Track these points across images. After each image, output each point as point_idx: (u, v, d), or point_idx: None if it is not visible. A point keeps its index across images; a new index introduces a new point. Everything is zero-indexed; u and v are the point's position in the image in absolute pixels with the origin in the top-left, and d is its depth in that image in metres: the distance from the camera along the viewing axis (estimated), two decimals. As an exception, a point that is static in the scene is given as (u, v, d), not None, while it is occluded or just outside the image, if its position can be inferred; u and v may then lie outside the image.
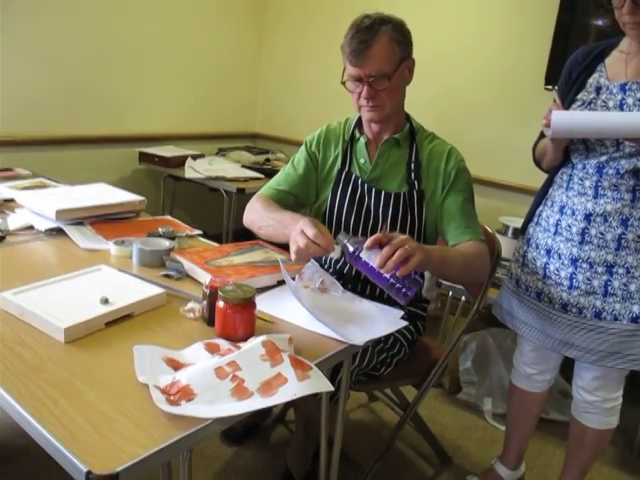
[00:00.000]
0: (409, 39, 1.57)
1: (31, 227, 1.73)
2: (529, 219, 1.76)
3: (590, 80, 1.57)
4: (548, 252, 1.65)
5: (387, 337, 1.62)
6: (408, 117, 1.71)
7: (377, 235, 1.27)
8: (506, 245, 2.52)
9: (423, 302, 1.82)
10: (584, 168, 1.56)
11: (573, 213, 1.58)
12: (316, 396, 1.32)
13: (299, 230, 1.33)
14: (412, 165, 1.64)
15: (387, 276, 1.23)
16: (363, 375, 1.63)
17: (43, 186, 2.22)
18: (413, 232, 1.65)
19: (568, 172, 1.62)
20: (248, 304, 1.14)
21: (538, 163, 1.75)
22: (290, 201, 1.74)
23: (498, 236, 2.52)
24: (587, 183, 1.55)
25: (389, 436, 1.92)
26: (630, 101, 1.48)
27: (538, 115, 2.86)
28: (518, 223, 2.62)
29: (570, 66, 1.65)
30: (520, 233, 1.81)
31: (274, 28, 3.98)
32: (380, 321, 1.29)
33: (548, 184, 1.71)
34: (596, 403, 1.70)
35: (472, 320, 1.87)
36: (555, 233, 1.63)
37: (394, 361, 1.68)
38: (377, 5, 3.32)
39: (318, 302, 1.26)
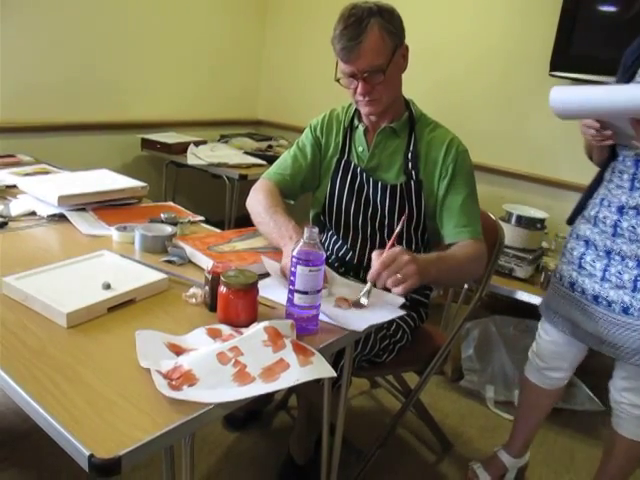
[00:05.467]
0: (400, 26, 1.52)
1: (33, 213, 1.73)
2: (577, 211, 1.71)
3: None
4: (586, 243, 1.62)
5: (390, 324, 1.62)
6: (408, 104, 1.67)
7: (377, 266, 1.24)
8: (510, 232, 2.54)
9: (426, 289, 1.81)
10: (623, 160, 1.53)
11: (609, 205, 1.56)
12: (319, 382, 1.31)
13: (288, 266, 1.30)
14: (409, 155, 1.61)
15: (293, 312, 1.16)
16: (365, 362, 1.63)
17: (45, 172, 2.22)
18: (411, 224, 1.64)
19: (612, 165, 1.59)
20: (250, 289, 1.13)
21: (591, 158, 1.70)
22: (296, 188, 1.73)
23: (502, 223, 2.55)
24: (625, 176, 1.52)
25: (390, 422, 1.92)
26: None
27: (541, 102, 2.88)
28: (522, 211, 2.63)
29: (626, 55, 1.60)
30: (567, 224, 1.76)
31: (277, 14, 3.95)
32: (380, 308, 1.29)
33: (598, 178, 1.67)
34: (624, 406, 1.65)
35: (474, 308, 1.86)
36: (594, 225, 1.60)
37: (396, 348, 1.67)
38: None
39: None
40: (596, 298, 1.58)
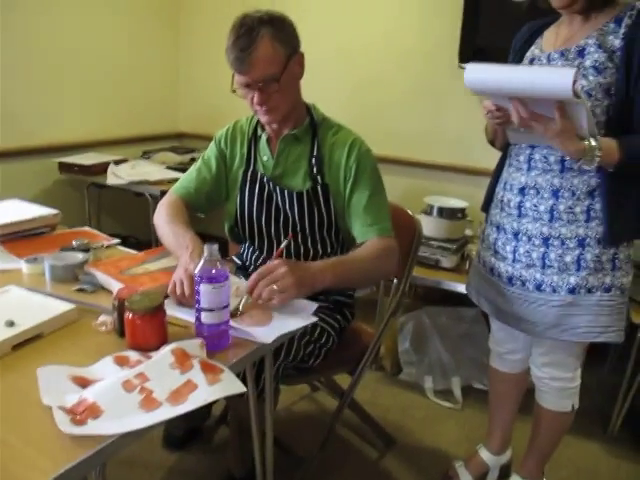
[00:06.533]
0: (293, 34, 1.53)
1: None
2: (488, 198, 1.77)
3: (527, 53, 1.60)
4: (497, 227, 1.68)
5: (313, 328, 1.63)
6: (309, 110, 1.68)
7: (254, 277, 1.29)
8: (431, 224, 2.60)
9: (349, 290, 1.83)
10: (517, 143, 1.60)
11: (511, 188, 1.62)
12: (242, 395, 1.31)
13: (178, 278, 1.31)
14: (313, 160, 1.62)
15: (202, 330, 1.17)
16: (292, 369, 1.63)
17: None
18: (323, 227, 1.65)
19: (509, 149, 1.65)
20: (156, 313, 1.12)
21: (492, 143, 1.75)
22: (202, 201, 1.73)
23: (423, 216, 2.61)
24: (522, 158, 1.58)
25: (328, 425, 1.94)
26: None
27: (454, 94, 2.96)
28: (443, 202, 2.69)
29: (514, 41, 1.68)
30: (482, 211, 1.81)
31: (190, 21, 3.88)
32: (291, 316, 1.29)
33: (500, 163, 1.73)
34: (545, 380, 1.71)
35: (399, 302, 1.89)
36: (501, 209, 1.66)
37: (322, 351, 1.69)
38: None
39: (231, 307, 1.25)
40: (510, 280, 1.65)
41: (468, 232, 2.77)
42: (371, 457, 2.14)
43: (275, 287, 1.26)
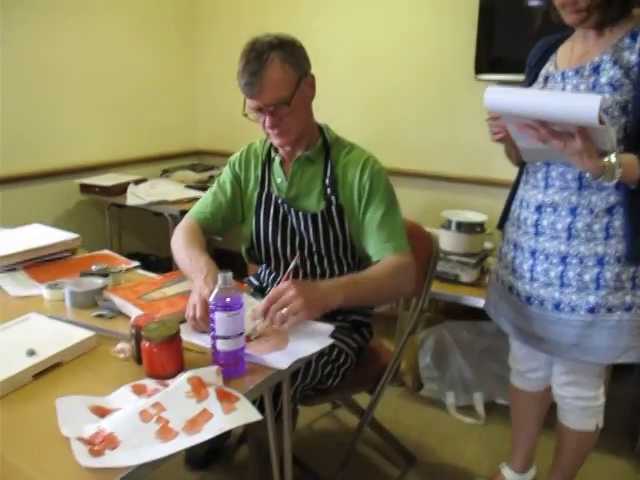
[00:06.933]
0: (303, 56, 1.54)
1: (-39, 278, 1.70)
2: (504, 215, 1.75)
3: (542, 71, 1.58)
4: (514, 245, 1.66)
5: (331, 349, 1.63)
6: (322, 131, 1.69)
7: (265, 301, 1.29)
8: (450, 239, 2.58)
9: (367, 309, 1.82)
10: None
11: (528, 205, 1.59)
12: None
13: (193, 303, 1.32)
14: (327, 180, 1.63)
15: (218, 358, 1.18)
16: (311, 390, 1.63)
17: (-24, 232, 2.18)
18: (338, 247, 1.66)
19: (526, 166, 1.63)
20: (172, 341, 1.13)
21: (510, 159, 1.74)
22: (218, 225, 1.75)
23: (442, 230, 2.59)
24: (539, 175, 1.56)
25: (349, 445, 1.93)
26: (568, 88, 1.48)
27: (471, 105, 2.94)
28: (461, 216, 2.67)
29: (529, 58, 1.66)
30: (498, 228, 1.80)
31: (206, 43, 3.92)
32: (307, 340, 1.30)
33: (517, 180, 1.71)
34: (568, 400, 1.69)
35: (418, 319, 1.88)
36: (517, 227, 1.64)
37: (341, 372, 1.68)
38: (301, 14, 3.34)
39: (247, 331, 1.26)
40: (529, 299, 1.62)
41: (487, 245, 2.75)
42: (392, 476, 2.12)
43: (284, 312, 1.26)
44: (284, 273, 1.71)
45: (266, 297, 1.30)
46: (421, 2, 3.07)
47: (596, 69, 1.43)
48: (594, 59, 1.44)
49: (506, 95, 1.34)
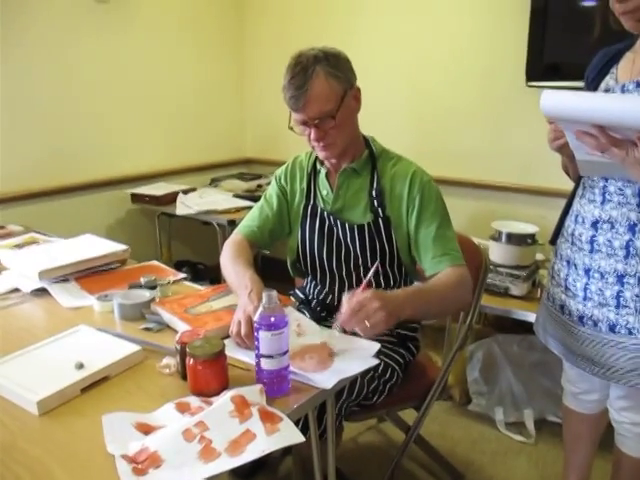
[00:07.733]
0: (348, 69, 1.54)
1: (17, 289, 1.75)
2: (558, 230, 1.68)
3: (602, 84, 1.51)
4: (568, 263, 1.58)
5: (376, 364, 1.60)
6: (368, 143, 1.68)
7: (347, 313, 1.25)
8: (500, 251, 2.53)
9: (413, 323, 1.79)
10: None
11: (583, 221, 1.52)
12: (306, 435, 1.31)
13: (237, 320, 1.32)
14: (373, 192, 1.62)
15: (262, 377, 1.17)
16: (356, 405, 1.62)
17: (33, 242, 2.24)
18: (385, 260, 1.64)
19: (582, 180, 1.56)
20: (217, 358, 1.13)
21: (568, 174, 1.68)
22: (265, 238, 1.75)
23: (492, 242, 2.54)
24: (596, 190, 1.49)
25: (394, 461, 1.90)
26: None
27: (522, 114, 2.88)
28: (511, 227, 2.61)
29: (588, 71, 1.60)
30: (550, 244, 1.73)
31: (253, 51, 3.96)
32: (352, 359, 1.28)
33: (572, 195, 1.64)
34: (626, 425, 1.61)
35: (466, 334, 1.85)
36: (572, 243, 1.56)
37: (387, 387, 1.66)
38: (349, 26, 3.34)
39: (292, 346, 1.25)
40: (581, 319, 1.54)
41: (539, 256, 2.68)
42: (439, 493, 2.09)
43: (367, 324, 1.24)
44: (330, 286, 1.71)
45: (348, 306, 1.25)
46: (468, 7, 3.03)
47: None
48: None
49: (565, 97, 1.27)
